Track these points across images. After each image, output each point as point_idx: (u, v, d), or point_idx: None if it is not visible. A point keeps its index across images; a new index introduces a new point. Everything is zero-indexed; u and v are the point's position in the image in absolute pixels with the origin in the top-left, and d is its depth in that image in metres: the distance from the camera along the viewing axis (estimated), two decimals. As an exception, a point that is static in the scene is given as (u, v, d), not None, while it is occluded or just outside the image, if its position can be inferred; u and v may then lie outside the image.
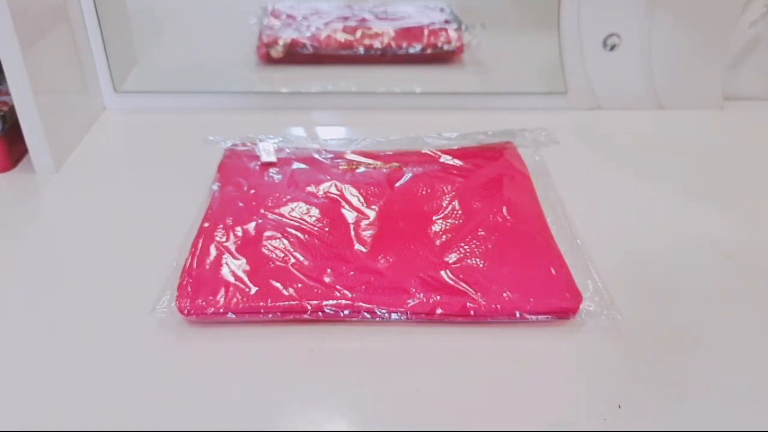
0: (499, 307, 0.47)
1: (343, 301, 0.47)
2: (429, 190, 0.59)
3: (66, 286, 0.52)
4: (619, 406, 0.42)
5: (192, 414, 0.41)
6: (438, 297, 0.48)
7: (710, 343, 0.46)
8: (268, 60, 0.87)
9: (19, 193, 0.63)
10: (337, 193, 0.58)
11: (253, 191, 0.59)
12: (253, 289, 0.48)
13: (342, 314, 0.47)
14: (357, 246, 0.52)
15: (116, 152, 0.71)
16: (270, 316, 0.47)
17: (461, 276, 0.49)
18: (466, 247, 0.52)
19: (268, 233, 0.53)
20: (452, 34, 0.88)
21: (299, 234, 0.53)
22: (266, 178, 0.61)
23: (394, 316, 0.47)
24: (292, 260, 0.51)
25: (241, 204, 0.57)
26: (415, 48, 0.87)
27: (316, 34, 0.88)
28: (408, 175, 0.61)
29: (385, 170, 0.62)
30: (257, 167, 0.63)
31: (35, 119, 0.62)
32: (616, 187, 0.64)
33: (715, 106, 0.78)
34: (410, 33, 0.88)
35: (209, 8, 0.98)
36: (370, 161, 0.63)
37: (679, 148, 0.71)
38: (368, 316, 0.47)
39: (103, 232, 0.57)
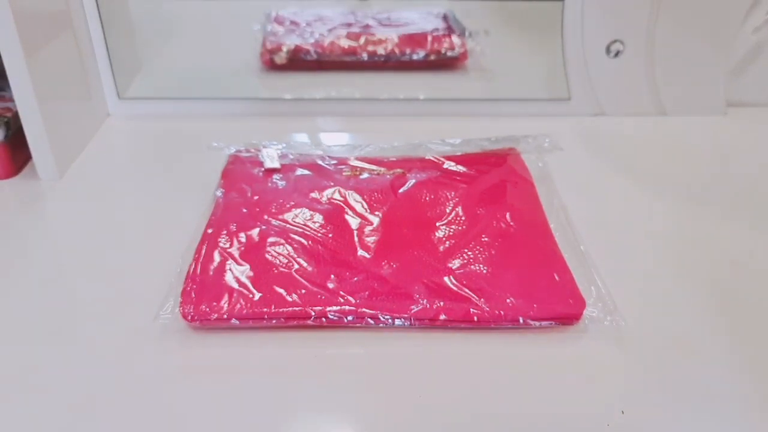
0: (502, 313, 0.47)
1: (347, 307, 0.47)
2: (432, 197, 0.59)
3: (69, 291, 0.52)
4: (623, 412, 0.41)
5: (195, 420, 0.41)
6: (441, 303, 0.48)
7: (713, 349, 0.46)
8: (272, 66, 0.87)
9: (23, 199, 0.63)
10: (341, 199, 0.58)
11: (256, 197, 0.59)
12: (257, 295, 0.48)
13: (345, 320, 0.47)
14: (360, 252, 0.53)
15: (120, 158, 0.71)
16: (273, 322, 0.47)
17: (465, 282, 0.49)
18: (469, 253, 0.52)
19: (271, 239, 0.53)
20: (456, 40, 0.88)
21: (303, 240, 0.53)
22: (270, 184, 0.61)
23: (397, 322, 0.47)
24: (296, 266, 0.51)
25: (244, 210, 0.57)
26: (419, 54, 0.87)
27: (320, 41, 0.88)
28: (411, 182, 0.61)
29: (388, 176, 0.62)
30: (261, 173, 0.63)
31: (39, 125, 0.62)
32: (619, 193, 0.64)
33: (718, 112, 0.78)
34: (414, 39, 0.88)
35: (213, 15, 0.98)
36: (374, 167, 0.63)
37: (682, 154, 0.71)
38: (372, 322, 0.47)
39: (107, 238, 0.57)
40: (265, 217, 0.56)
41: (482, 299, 0.48)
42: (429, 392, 0.43)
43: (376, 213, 0.57)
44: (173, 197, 0.62)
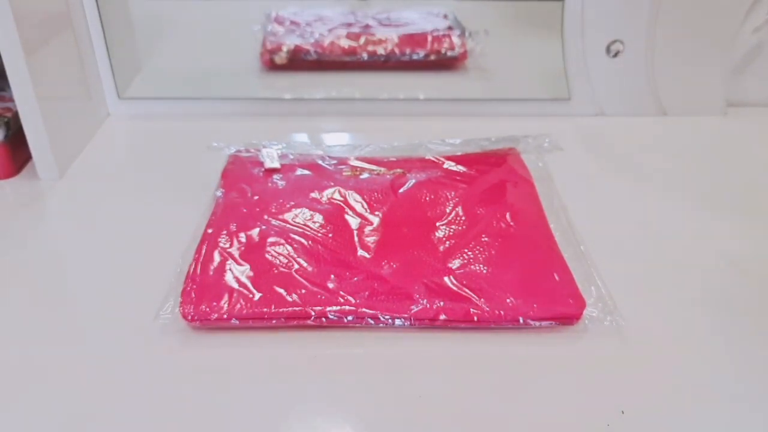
0: (502, 313, 0.47)
1: (347, 307, 0.47)
2: (432, 196, 0.59)
3: (69, 291, 0.52)
4: (622, 412, 0.41)
5: (195, 420, 0.41)
6: (442, 303, 0.48)
7: (713, 349, 0.46)
8: (272, 66, 0.87)
9: (23, 198, 0.63)
10: (341, 199, 0.58)
11: (256, 197, 0.59)
12: (257, 295, 0.48)
13: (345, 320, 0.47)
14: (360, 252, 0.53)
15: (120, 158, 0.71)
16: (273, 322, 0.47)
17: (465, 282, 0.49)
18: (469, 253, 0.52)
19: (271, 239, 0.53)
20: (456, 40, 0.88)
21: (303, 240, 0.53)
22: (270, 184, 0.61)
23: (397, 322, 0.47)
24: (296, 266, 0.51)
25: (244, 210, 0.57)
26: (419, 54, 0.87)
27: (320, 41, 0.88)
28: (411, 182, 0.61)
29: (388, 176, 0.62)
30: (261, 173, 0.63)
31: (39, 125, 0.62)
32: (619, 193, 0.64)
33: (718, 112, 0.78)
34: (414, 39, 0.88)
35: (213, 15, 0.98)
36: (374, 167, 0.63)
37: (682, 154, 0.71)
38: (372, 322, 0.47)
39: (107, 238, 0.57)
40: (265, 217, 0.56)
41: (482, 299, 0.48)
42: (429, 392, 0.43)
43: (376, 213, 0.57)
44: (173, 197, 0.62)
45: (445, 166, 0.64)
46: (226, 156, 0.66)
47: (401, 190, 0.60)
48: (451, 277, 0.50)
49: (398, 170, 0.63)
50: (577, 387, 0.44)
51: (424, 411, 0.42)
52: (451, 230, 0.55)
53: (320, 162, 0.64)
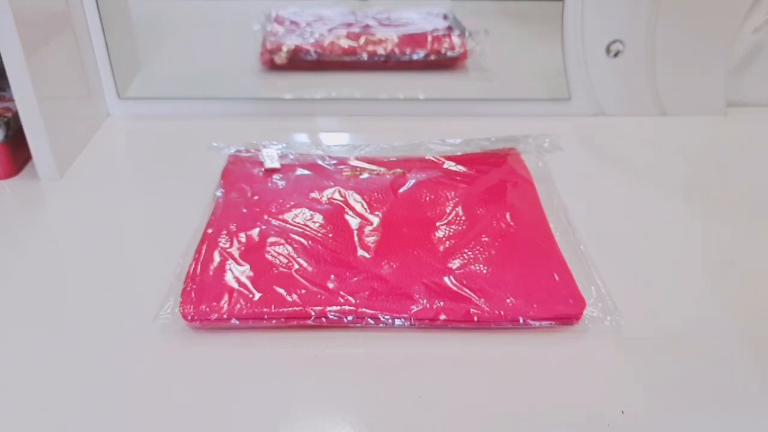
0: (502, 313, 0.47)
1: (347, 307, 0.47)
2: (432, 197, 0.59)
3: (69, 292, 0.52)
4: (623, 412, 0.41)
5: (195, 420, 0.41)
6: (442, 303, 0.48)
7: (713, 349, 0.46)
8: (272, 66, 0.87)
9: (23, 199, 0.63)
10: (341, 199, 0.58)
11: (256, 197, 0.59)
12: (257, 295, 0.48)
13: (345, 320, 0.47)
14: (360, 252, 0.53)
15: (120, 158, 0.71)
16: (273, 322, 0.47)
17: (465, 282, 0.49)
18: (469, 253, 0.52)
19: (271, 239, 0.53)
20: (456, 40, 0.88)
21: (303, 240, 0.53)
22: (270, 184, 0.61)
23: (397, 322, 0.47)
24: (296, 266, 0.51)
25: (244, 210, 0.57)
26: (419, 54, 0.87)
27: (320, 41, 0.88)
28: (411, 182, 0.61)
29: (388, 176, 0.62)
30: (261, 173, 0.63)
31: (39, 125, 0.62)
32: (619, 193, 0.64)
33: (718, 112, 0.78)
34: (414, 39, 0.88)
35: (213, 14, 0.98)
36: (374, 167, 0.63)
37: (682, 154, 0.71)
38: (372, 322, 0.47)
39: (107, 238, 0.57)
40: (265, 217, 0.56)
41: (482, 299, 0.48)
42: (429, 392, 0.43)
43: (376, 213, 0.57)
44: (173, 197, 0.62)
45: (445, 166, 0.64)
46: (226, 156, 0.66)
47: (401, 190, 0.60)
48: (451, 277, 0.50)
49: (398, 170, 0.63)
50: (577, 387, 0.44)
51: (424, 411, 0.42)
52: (451, 230, 0.55)
53: (320, 162, 0.64)
